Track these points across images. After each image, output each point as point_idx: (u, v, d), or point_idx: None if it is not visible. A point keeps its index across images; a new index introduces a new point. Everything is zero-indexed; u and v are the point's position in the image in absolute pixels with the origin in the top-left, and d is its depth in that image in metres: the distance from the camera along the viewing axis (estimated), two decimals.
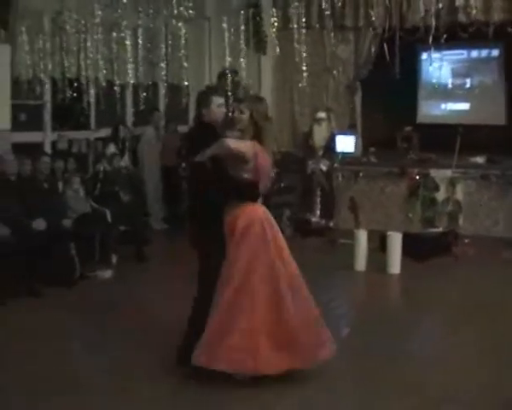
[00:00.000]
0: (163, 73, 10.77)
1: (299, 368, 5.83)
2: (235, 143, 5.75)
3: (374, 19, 13.03)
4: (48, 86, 10.57)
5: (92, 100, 11.08)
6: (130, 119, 12.33)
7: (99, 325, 7.52)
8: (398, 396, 5.70)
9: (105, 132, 11.88)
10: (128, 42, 9.21)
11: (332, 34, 13.55)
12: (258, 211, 5.93)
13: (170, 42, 10.49)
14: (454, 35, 12.43)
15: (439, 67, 13.77)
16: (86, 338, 7.22)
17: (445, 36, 12.27)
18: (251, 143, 5.81)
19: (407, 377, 6.12)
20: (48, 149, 10.75)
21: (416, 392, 5.79)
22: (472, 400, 5.65)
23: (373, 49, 13.45)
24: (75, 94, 10.57)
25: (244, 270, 5.72)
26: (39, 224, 8.72)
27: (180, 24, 8.49)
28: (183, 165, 12.12)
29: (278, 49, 10.35)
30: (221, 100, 6.19)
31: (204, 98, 6.18)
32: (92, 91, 10.97)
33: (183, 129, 13.07)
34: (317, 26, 13.49)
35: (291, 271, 5.95)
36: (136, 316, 7.72)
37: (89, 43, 9.64)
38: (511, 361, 6.53)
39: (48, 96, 10.69)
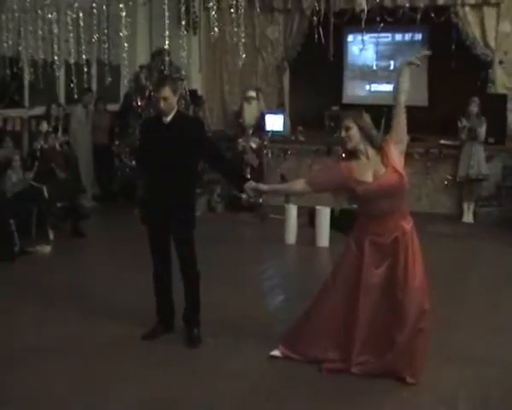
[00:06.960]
0: (98, 52, 10.94)
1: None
2: None
3: (303, 1, 13.48)
4: None
5: (27, 78, 11.17)
6: (63, 97, 12.44)
7: (48, 297, 7.66)
8: None
9: (39, 110, 11.98)
10: (69, 21, 9.35)
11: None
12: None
13: (106, 22, 10.66)
14: (380, 19, 12.97)
15: (364, 49, 14.25)
16: (34, 312, 7.28)
17: (369, 19, 12.81)
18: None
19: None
20: None
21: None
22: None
23: (301, 32, 13.89)
24: (11, 72, 10.62)
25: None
26: None
27: (121, 5, 8.70)
28: (117, 143, 12.34)
29: (217, 30, 10.58)
30: (159, 93, 6.07)
31: None
32: (27, 70, 11.07)
33: (113, 107, 13.23)
34: (247, 7, 13.80)
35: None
36: (82, 288, 7.95)
37: (28, 22, 9.73)
38: (449, 317, 7.10)
39: None
